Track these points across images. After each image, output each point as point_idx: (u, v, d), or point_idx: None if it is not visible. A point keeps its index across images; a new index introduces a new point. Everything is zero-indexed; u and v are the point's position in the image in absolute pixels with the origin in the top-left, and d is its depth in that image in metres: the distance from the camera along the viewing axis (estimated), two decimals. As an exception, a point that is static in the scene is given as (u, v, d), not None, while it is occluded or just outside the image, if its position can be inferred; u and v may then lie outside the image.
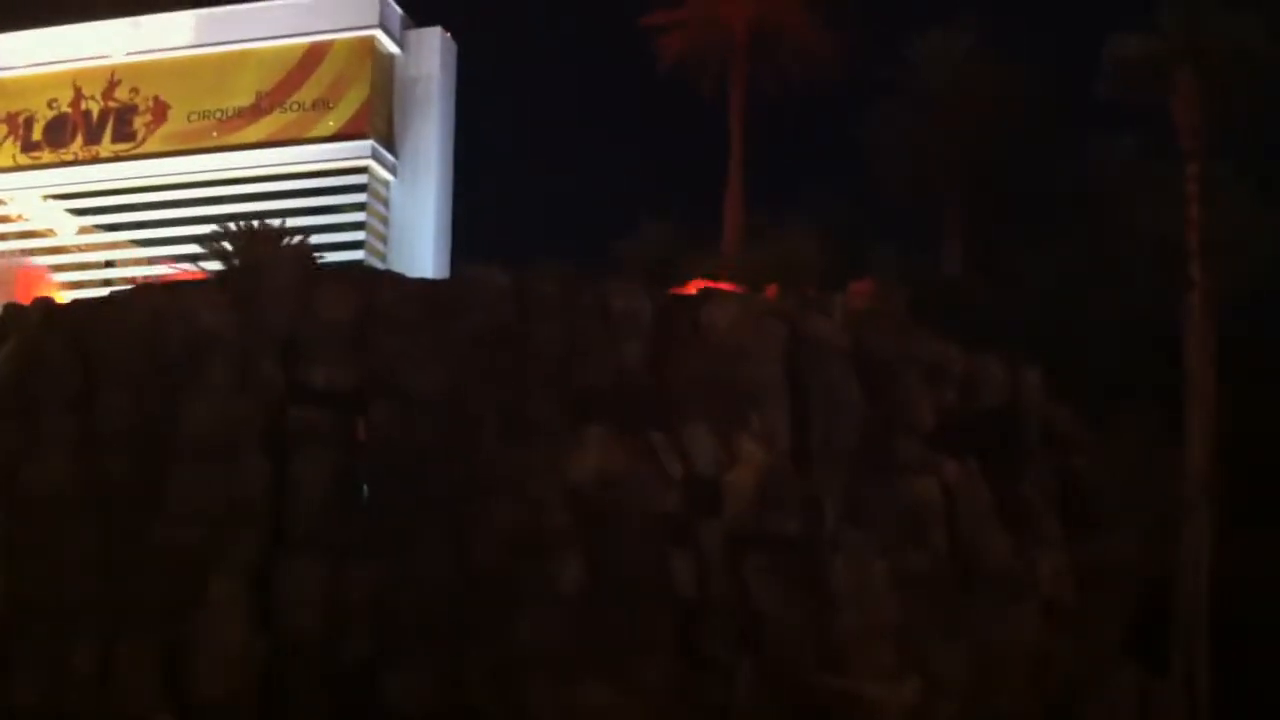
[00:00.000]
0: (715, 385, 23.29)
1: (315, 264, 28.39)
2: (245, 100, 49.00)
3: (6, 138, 51.91)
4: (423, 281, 27.31)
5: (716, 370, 23.42)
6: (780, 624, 21.88)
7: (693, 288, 26.47)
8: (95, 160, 50.66)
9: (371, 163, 46.73)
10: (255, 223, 31.38)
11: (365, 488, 22.73)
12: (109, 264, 49.48)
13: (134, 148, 50.66)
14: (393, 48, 47.15)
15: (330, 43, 48.23)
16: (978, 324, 26.09)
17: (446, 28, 47.99)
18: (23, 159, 50.96)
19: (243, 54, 49.54)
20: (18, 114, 51.97)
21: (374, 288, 24.56)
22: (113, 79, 51.21)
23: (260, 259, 27.32)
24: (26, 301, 26.57)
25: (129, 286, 32.80)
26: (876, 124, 34.91)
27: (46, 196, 51.01)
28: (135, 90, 50.83)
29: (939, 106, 34.53)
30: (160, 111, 50.17)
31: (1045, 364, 25.37)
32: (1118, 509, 24.57)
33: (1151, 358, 26.96)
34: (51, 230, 50.76)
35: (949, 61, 34.63)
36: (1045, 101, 33.12)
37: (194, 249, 35.25)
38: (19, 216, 50.46)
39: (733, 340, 23.78)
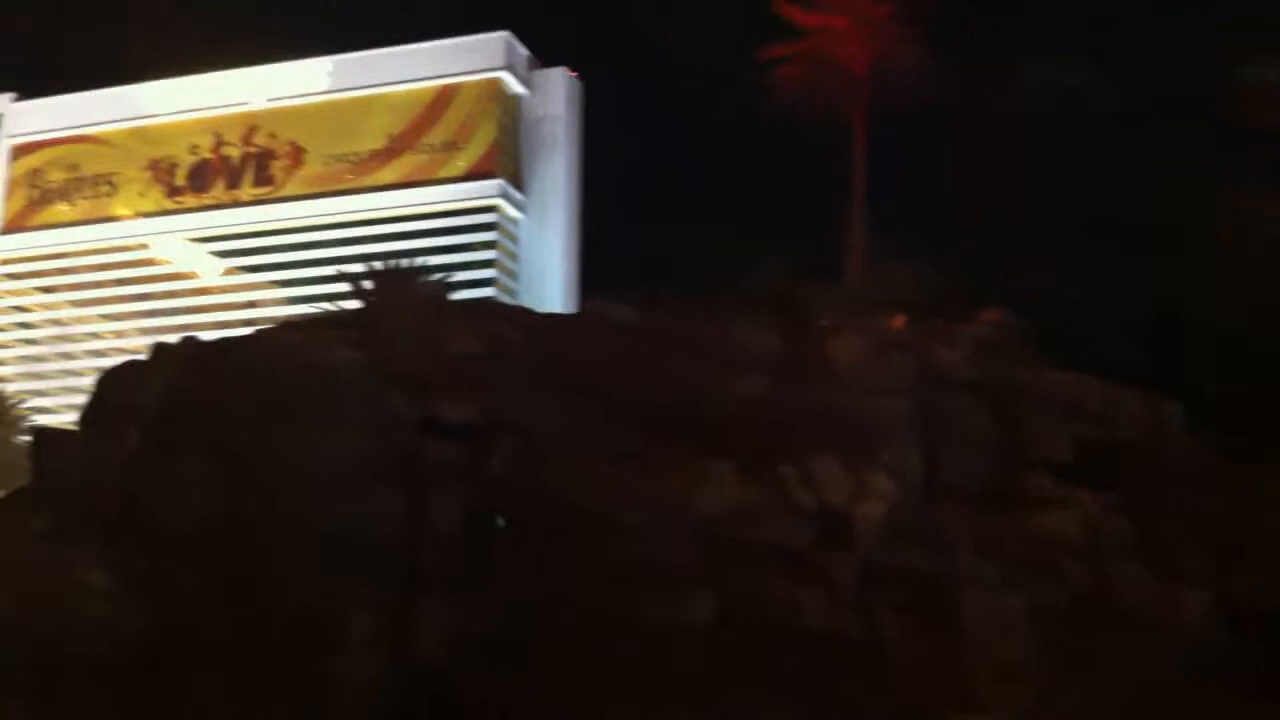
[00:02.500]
0: (842, 418, 23.09)
1: (446, 301, 28.89)
2: (378, 143, 50.32)
3: (152, 184, 53.90)
4: (549, 316, 27.59)
5: (843, 403, 23.23)
6: (912, 661, 21.50)
7: (816, 320, 26.31)
8: (236, 204, 52.38)
9: (500, 201, 47.57)
10: (388, 261, 32.08)
11: (496, 522, 22.96)
12: (250, 304, 50.99)
13: (273, 191, 52.29)
14: (519, 89, 48.01)
15: (459, 85, 49.29)
16: (1108, 352, 25.48)
17: (571, 68, 48.70)
18: (167, 203, 52.92)
19: (375, 98, 50.94)
20: (161, 160, 54.01)
21: (501, 323, 24.88)
22: (252, 125, 52.95)
23: (392, 297, 27.89)
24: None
25: (269, 325, 33.78)
26: (994, 150, 34.49)
27: (190, 239, 52.80)
28: (273, 135, 52.51)
29: (1053, 133, 34.02)
30: (297, 156, 51.75)
31: (1184, 396, 24.64)
32: (1266, 546, 23.69)
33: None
34: (195, 273, 52.47)
35: (1061, 84, 34.12)
36: (1157, 125, 32.39)
37: (330, 288, 36.16)
38: (164, 260, 52.29)
39: (859, 373, 23.58)
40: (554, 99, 49.02)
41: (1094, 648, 22.20)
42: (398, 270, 31.11)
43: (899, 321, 25.87)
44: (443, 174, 48.75)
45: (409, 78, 48.65)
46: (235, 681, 21.86)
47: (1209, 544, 23.82)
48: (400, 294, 28.69)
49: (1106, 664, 22.07)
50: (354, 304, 29.82)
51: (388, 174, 49.95)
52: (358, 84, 49.26)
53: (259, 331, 28.20)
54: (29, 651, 22.59)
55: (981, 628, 21.76)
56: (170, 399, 24.49)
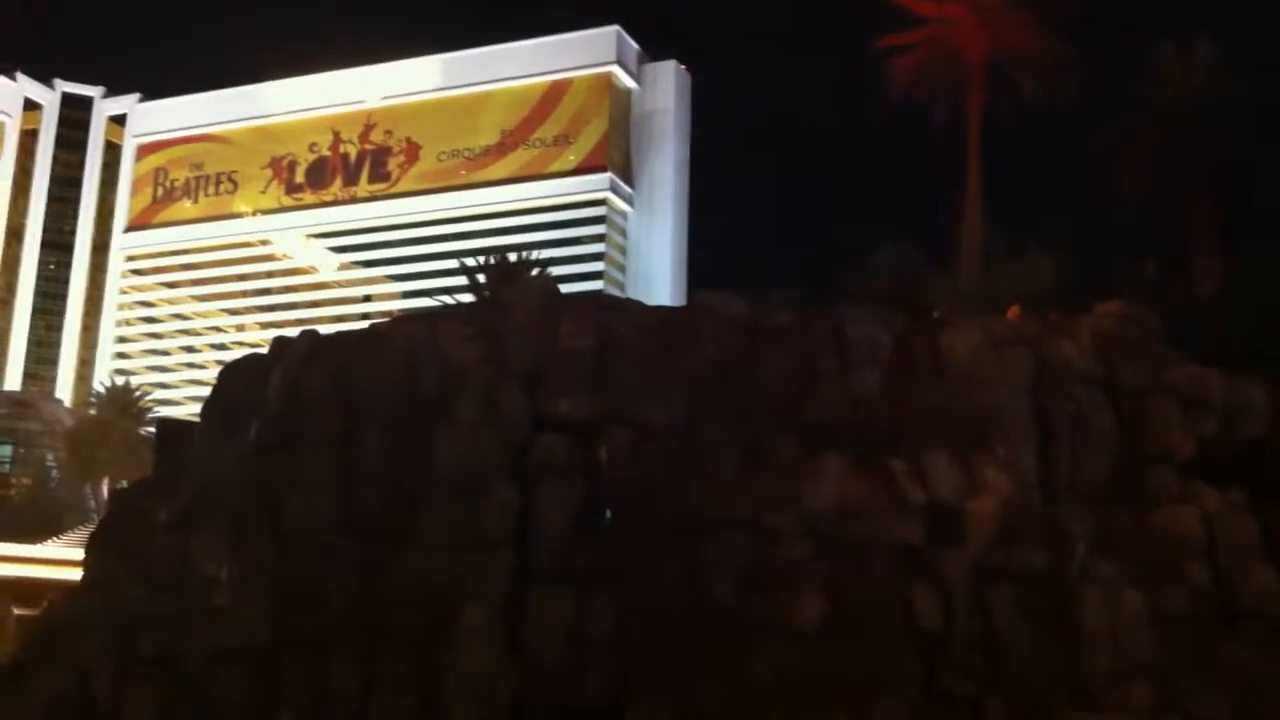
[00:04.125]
0: (956, 413, 22.80)
1: (557, 294, 29.12)
2: (491, 139, 50.77)
3: (272, 181, 55.02)
4: (659, 309, 27.59)
5: (957, 398, 22.94)
6: (1028, 659, 21.17)
7: (932, 313, 26.01)
8: (353, 200, 53.24)
9: (610, 194, 47.73)
10: (501, 255, 32.45)
11: (605, 517, 23.06)
12: (367, 298, 51.84)
13: (389, 187, 53.08)
14: (629, 82, 48.11)
15: (570, 80, 49.57)
16: (1234, 345, 24.79)
17: (682, 61, 48.64)
18: (286, 200, 53.96)
19: (488, 94, 51.44)
20: (282, 158, 55.12)
21: (612, 316, 24.94)
22: (368, 123, 53.81)
23: (505, 290, 28.14)
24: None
25: (385, 319, 34.39)
26: (1117, 139, 33.65)
27: (309, 235, 53.77)
28: (389, 133, 53.28)
29: (1182, 116, 33.05)
30: (413, 152, 52.47)
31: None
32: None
33: None
34: (314, 268, 53.43)
35: (1190, 71, 33.13)
36: None
37: (445, 282, 36.64)
38: (284, 255, 53.33)
39: (974, 367, 23.26)
40: (664, 92, 49.06)
41: (1214, 648, 21.69)
42: (511, 264, 31.45)
43: (1015, 314, 25.47)
44: (554, 168, 49.08)
45: (521, 74, 49.12)
46: (351, 675, 22.25)
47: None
48: (514, 288, 28.98)
49: (1226, 665, 21.55)
50: (468, 298, 30.18)
51: (500, 169, 50.43)
52: (471, 80, 49.85)
53: (376, 325, 28.62)
54: (155, 641, 23.25)
55: (1099, 626, 21.36)
56: (290, 393, 24.96)
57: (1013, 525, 21.87)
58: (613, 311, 26.12)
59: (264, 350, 26.97)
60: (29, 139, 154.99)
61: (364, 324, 33.91)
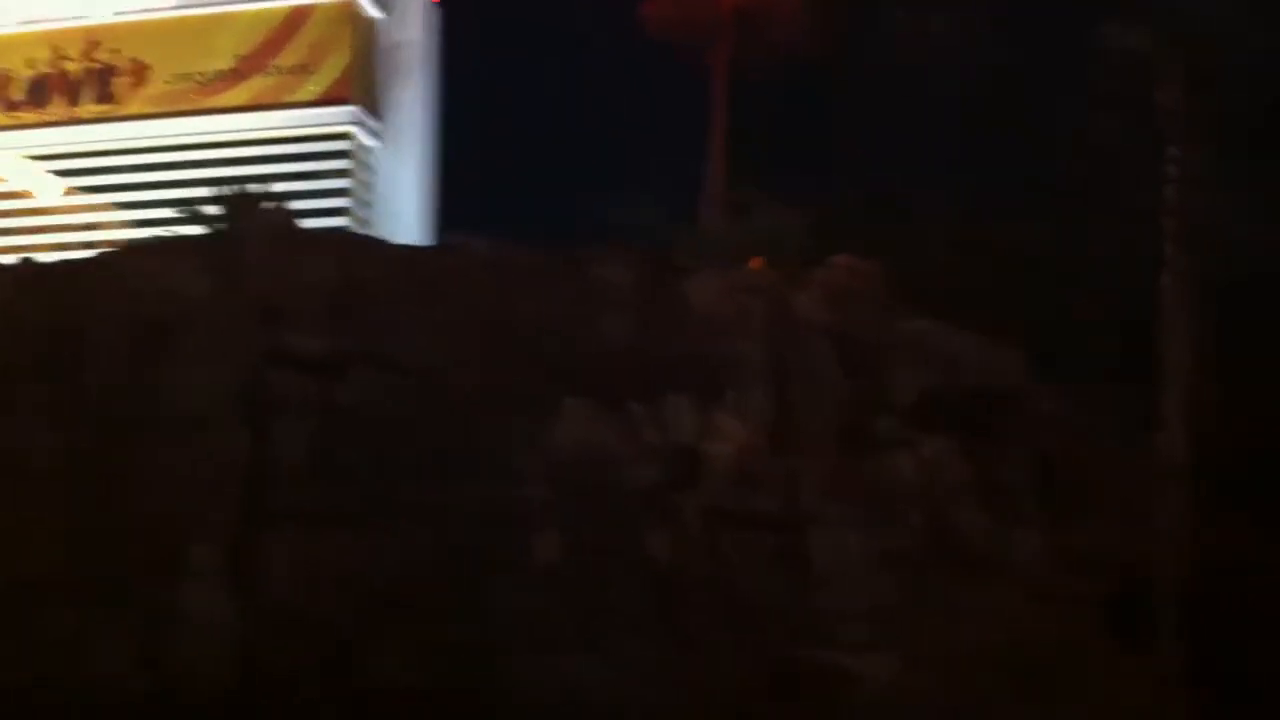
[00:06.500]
0: (696, 360, 23.27)
1: (298, 228, 28.24)
2: (225, 63, 48.44)
3: (-13, 98, 51.28)
4: (404, 248, 27.21)
5: (697, 345, 23.39)
6: (758, 599, 21.92)
7: (675, 261, 26.35)
8: (76, 121, 50.09)
9: (354, 128, 46.33)
10: (236, 187, 31.18)
11: (343, 457, 22.64)
12: (91, 226, 49.14)
13: (114, 109, 50.10)
14: (375, 12, 46.69)
15: (312, 6, 47.73)
16: (956, 302, 26.03)
17: (430, -9, 47.50)
18: (2, 119, 50.39)
19: (223, 16, 48.98)
20: (-3, 74, 51.32)
21: (355, 254, 24.46)
22: (92, 39, 50.63)
23: (241, 224, 27.17)
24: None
25: (110, 249, 32.64)
26: (862, 99, 34.68)
27: (27, 157, 50.51)
28: (116, 51, 50.22)
29: (920, 85, 34.31)
30: (140, 73, 49.65)
31: (1024, 345, 25.37)
32: (1097, 491, 24.62)
33: (1129, 340, 26.95)
34: (32, 192, 50.28)
35: (926, 35, 34.35)
36: (1030, 80, 32.93)
37: (175, 213, 35.00)
38: (1, 178, 50.02)
39: (714, 315, 23.74)
40: (411, 24, 47.67)
41: (931, 587, 22.89)
42: (248, 196, 30.28)
43: (756, 265, 26.07)
44: (294, 98, 47.21)
45: (260, -4, 47.17)
46: (70, 615, 21.35)
47: (1046, 487, 24.67)
48: (250, 220, 27.95)
49: (942, 603, 22.78)
50: (201, 230, 28.93)
51: (235, 96, 48.11)
52: (206, 1, 47.56)
53: (103, 255, 27.23)
54: None
55: (827, 567, 22.26)
56: (3, 323, 23.56)
57: (746, 470, 22.52)
58: (357, 247, 25.61)
59: (-25, 277, 25.28)
60: None
61: (88, 253, 32.08)
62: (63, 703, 20.96)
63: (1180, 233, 26.53)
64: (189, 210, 30.64)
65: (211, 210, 29.19)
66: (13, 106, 47.34)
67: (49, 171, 48.25)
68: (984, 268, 29.82)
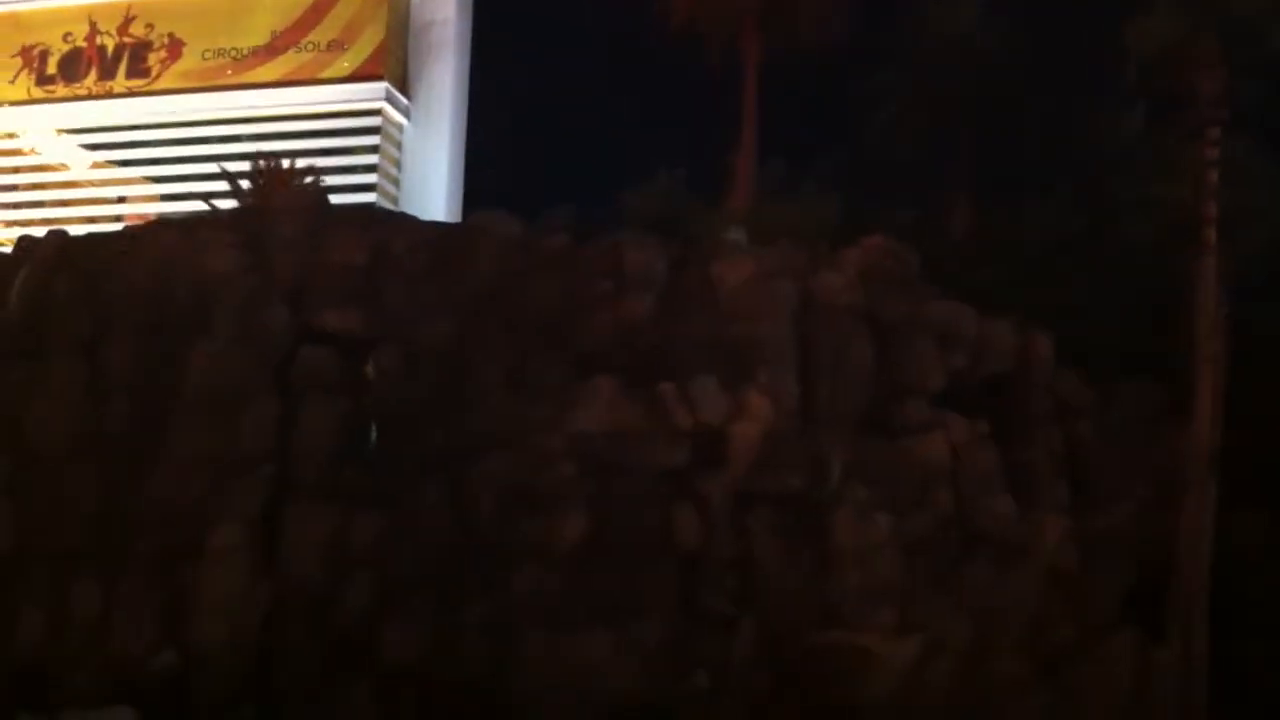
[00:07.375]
0: (725, 341, 23.22)
1: (328, 205, 28.30)
2: (260, 39, 48.64)
3: (21, 71, 51.66)
4: (433, 226, 27.19)
5: (727, 326, 23.34)
6: (782, 580, 21.90)
7: (704, 244, 26.31)
8: (109, 95, 50.38)
9: (385, 105, 46.43)
10: (267, 163, 31.25)
11: (371, 435, 22.74)
12: (121, 200, 49.38)
13: (148, 84, 50.38)
14: (409, -11, 46.64)
15: (345, -17, 47.74)
16: (982, 289, 25.91)
17: (464, -29, 47.42)
18: (37, 92, 50.72)
19: (258, -8, 49.14)
20: (33, 47, 51.70)
21: (384, 231, 24.45)
22: (128, 15, 50.85)
23: (271, 200, 27.23)
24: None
25: (140, 223, 32.86)
26: (887, 86, 34.54)
27: (60, 131, 50.82)
28: (150, 26, 50.48)
29: (941, 71, 34.12)
30: (175, 49, 49.86)
31: (1050, 332, 25.27)
32: (1120, 479, 24.52)
33: (1155, 331, 26.77)
34: (65, 165, 50.61)
35: (951, 26, 34.15)
36: (1054, 71, 32.70)
37: (206, 187, 35.20)
38: (32, 150, 50.32)
39: (743, 297, 23.67)
40: (444, 3, 47.79)
41: (956, 571, 22.87)
42: (278, 171, 30.34)
43: (784, 247, 25.96)
44: (326, 75, 47.38)
45: (294, -28, 47.32)
46: (91, 596, 21.52)
47: (1070, 474, 24.60)
48: (280, 196, 28.02)
49: (966, 587, 22.75)
50: (231, 204, 29.05)
51: (269, 71, 48.37)
52: (241, -24, 47.84)
53: (132, 228, 27.42)
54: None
55: (849, 549, 22.22)
56: (35, 297, 23.73)
57: (773, 450, 22.48)
58: (386, 225, 25.62)
59: (7, 250, 25.50)
60: None
61: (118, 227, 32.29)
62: (88, 679, 21.16)
63: (1215, 220, 26.31)
64: (220, 185, 30.76)
65: (242, 185, 29.29)
66: (47, 80, 47.66)
67: (82, 145, 48.60)
68: (1014, 255, 29.67)
